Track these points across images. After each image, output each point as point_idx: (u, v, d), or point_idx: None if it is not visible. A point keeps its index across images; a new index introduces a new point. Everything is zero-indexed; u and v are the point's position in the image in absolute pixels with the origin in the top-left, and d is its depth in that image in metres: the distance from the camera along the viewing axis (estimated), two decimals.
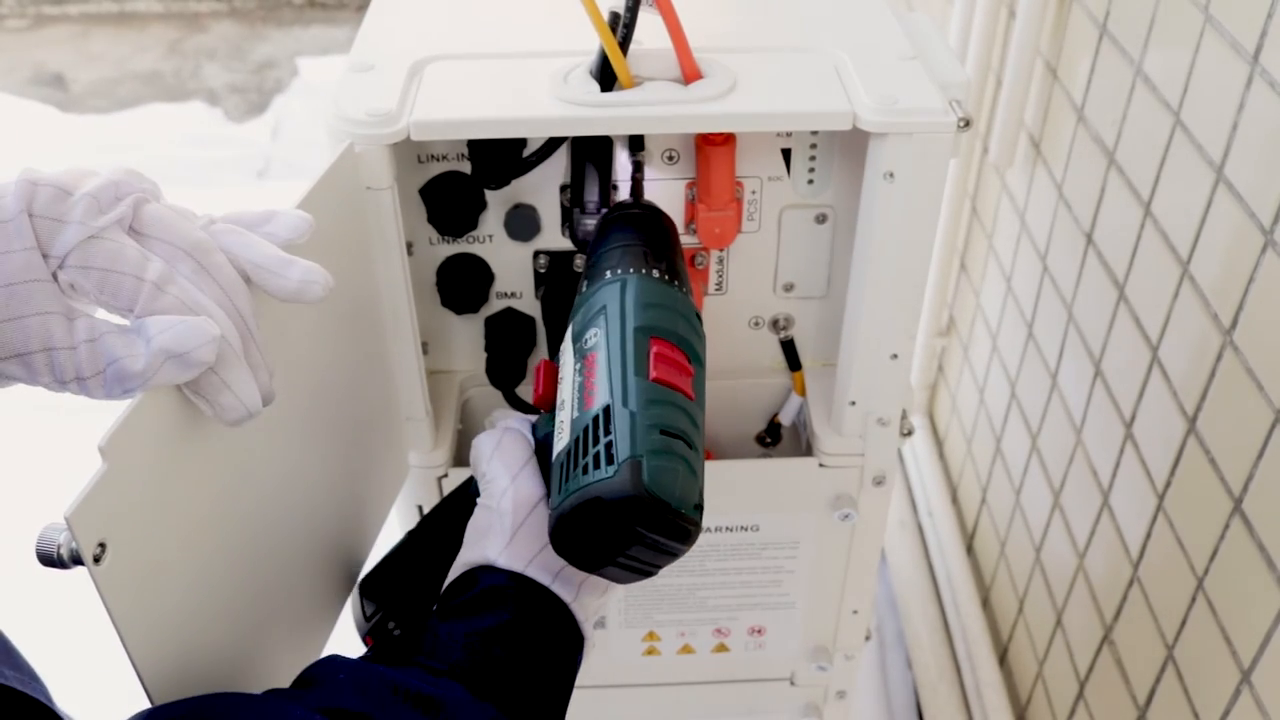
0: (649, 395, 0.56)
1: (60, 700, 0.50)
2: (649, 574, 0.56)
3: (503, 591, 0.58)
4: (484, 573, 0.59)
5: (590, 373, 0.58)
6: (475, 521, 0.61)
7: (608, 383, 0.56)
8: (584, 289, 0.63)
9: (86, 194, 0.46)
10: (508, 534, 0.59)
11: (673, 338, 0.59)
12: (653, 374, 0.56)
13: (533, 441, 0.63)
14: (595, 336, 0.59)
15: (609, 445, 0.54)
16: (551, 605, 0.58)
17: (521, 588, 0.58)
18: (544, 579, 0.58)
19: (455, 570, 0.61)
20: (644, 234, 0.66)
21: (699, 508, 0.55)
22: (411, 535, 0.70)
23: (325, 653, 0.61)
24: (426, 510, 0.82)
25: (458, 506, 0.68)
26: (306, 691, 0.51)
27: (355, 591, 0.70)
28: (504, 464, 0.61)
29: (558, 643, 0.58)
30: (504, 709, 0.54)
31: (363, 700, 0.50)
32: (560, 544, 0.55)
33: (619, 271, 0.62)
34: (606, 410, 0.55)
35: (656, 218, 0.68)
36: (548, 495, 0.60)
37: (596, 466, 0.53)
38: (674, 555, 0.55)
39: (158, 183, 0.50)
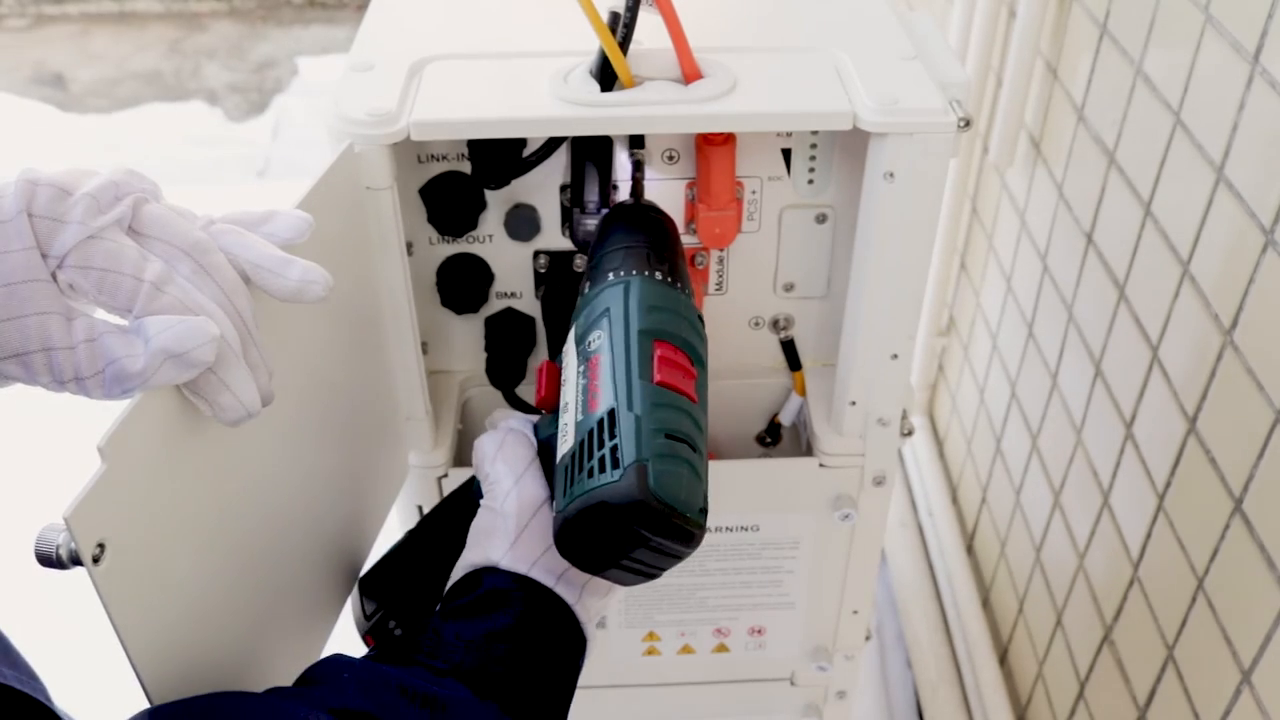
0: (653, 399, 0.56)
1: (60, 700, 0.50)
2: (653, 576, 0.56)
3: (507, 593, 0.58)
4: (487, 574, 0.59)
5: (594, 375, 0.58)
6: (478, 523, 0.61)
7: (612, 386, 0.56)
8: (586, 290, 0.63)
9: (86, 194, 0.46)
10: (511, 536, 0.59)
11: (676, 340, 0.59)
12: (656, 377, 0.57)
13: (535, 443, 0.63)
14: (599, 339, 0.59)
15: (614, 449, 0.54)
16: (555, 607, 0.58)
17: (525, 589, 0.58)
18: (548, 581, 0.58)
19: (458, 571, 0.61)
20: (646, 234, 0.66)
21: (704, 511, 0.55)
22: (411, 534, 0.70)
23: (325, 653, 0.61)
24: (427, 510, 0.82)
25: (458, 506, 0.68)
26: (310, 690, 0.52)
27: (355, 590, 0.70)
28: (508, 466, 0.61)
29: (561, 644, 0.59)
30: (507, 709, 0.54)
31: (367, 699, 0.50)
32: (565, 547, 0.55)
33: (621, 273, 0.62)
34: (611, 414, 0.55)
35: (658, 218, 0.68)
36: (551, 497, 0.60)
37: (602, 470, 0.53)
38: (678, 558, 0.55)
39: (158, 183, 0.50)
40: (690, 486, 0.54)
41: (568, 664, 0.59)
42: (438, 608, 0.61)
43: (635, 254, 0.63)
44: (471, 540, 0.61)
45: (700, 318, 0.63)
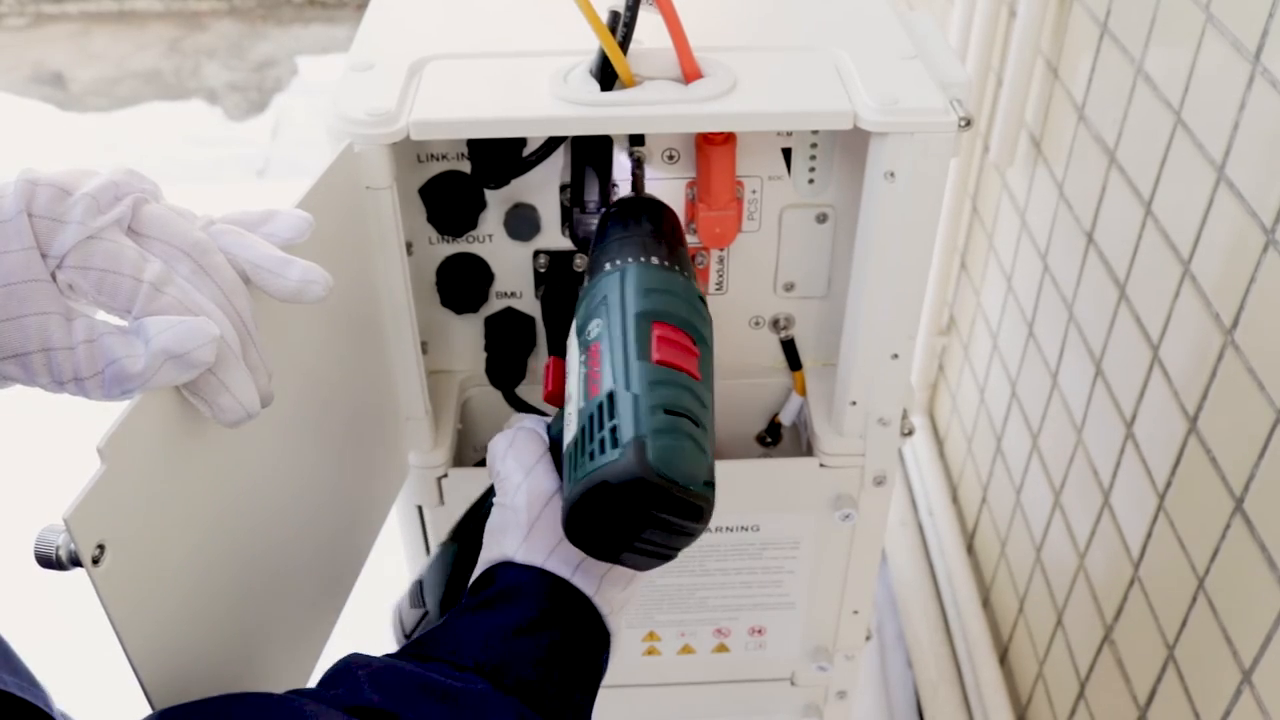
0: (652, 377, 0.55)
1: (60, 701, 0.50)
2: (668, 557, 0.56)
3: (523, 586, 0.57)
4: (503, 569, 0.58)
5: (594, 362, 0.57)
6: (492, 521, 0.61)
7: (611, 369, 0.56)
8: (585, 284, 0.63)
9: (86, 194, 0.46)
10: (524, 529, 0.58)
11: (675, 320, 0.59)
12: (655, 356, 0.56)
13: (547, 440, 0.63)
14: (598, 327, 0.59)
15: (614, 429, 0.53)
16: (574, 599, 0.57)
17: (542, 582, 0.57)
18: (564, 572, 0.57)
19: (477, 571, 0.61)
20: (642, 224, 0.66)
21: (709, 484, 0.54)
22: (455, 537, 0.69)
23: (325, 653, 0.61)
24: (428, 511, 0.82)
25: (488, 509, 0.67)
26: (327, 690, 0.51)
27: (402, 603, 0.68)
28: (517, 461, 0.60)
29: (582, 636, 0.58)
30: (529, 703, 0.53)
31: (383, 696, 0.50)
32: (574, 534, 0.54)
33: (618, 262, 0.62)
34: (610, 396, 0.55)
35: (655, 208, 0.68)
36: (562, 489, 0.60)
37: (602, 451, 0.53)
38: (690, 535, 0.54)
39: (158, 183, 0.50)
40: (693, 459, 0.53)
41: (590, 657, 0.58)
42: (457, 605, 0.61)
43: (631, 243, 0.63)
44: (487, 539, 0.61)
45: (703, 299, 0.62)
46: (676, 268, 0.62)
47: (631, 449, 0.52)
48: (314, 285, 0.50)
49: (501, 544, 0.59)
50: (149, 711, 0.47)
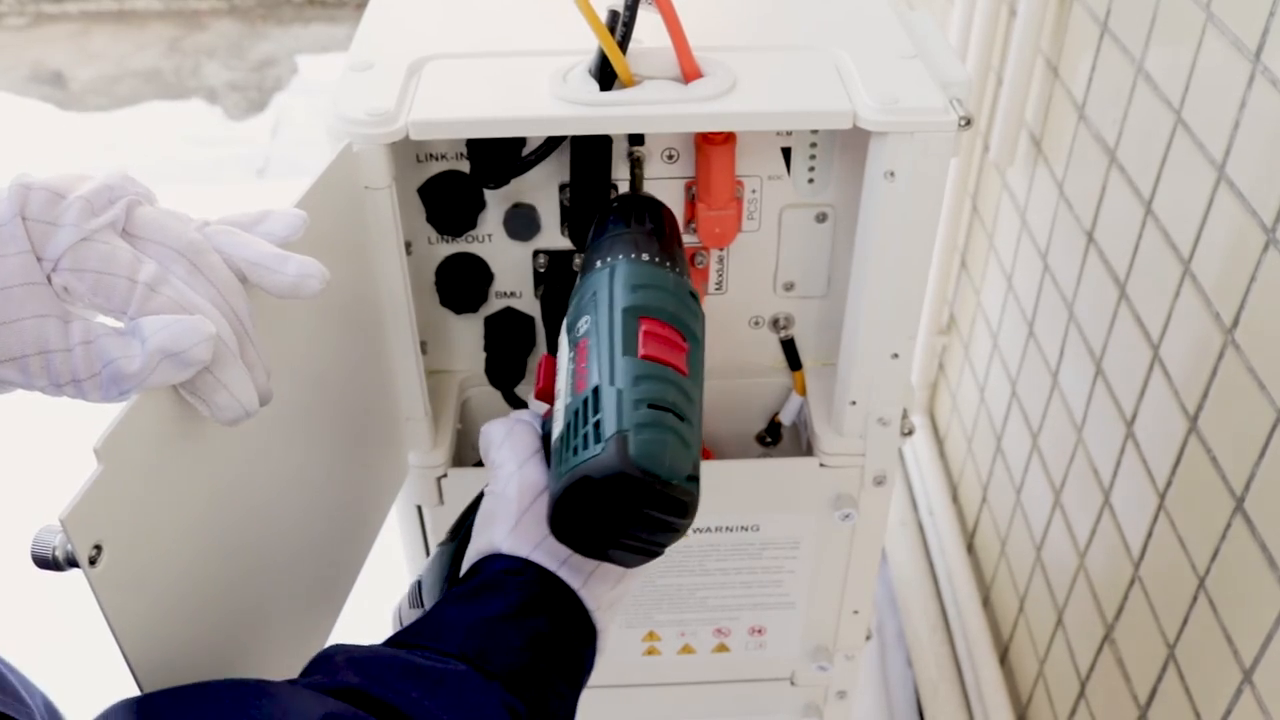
0: (637, 371, 0.55)
1: (58, 702, 0.50)
2: (654, 554, 0.55)
3: (509, 576, 0.57)
4: (490, 560, 0.58)
5: (582, 358, 0.57)
6: (482, 510, 0.61)
7: (597, 365, 0.56)
8: (578, 282, 0.63)
9: (80, 197, 0.46)
10: (513, 520, 0.58)
11: (663, 315, 0.59)
12: (641, 351, 0.56)
13: (541, 434, 0.63)
14: (586, 323, 0.59)
15: (597, 424, 0.53)
16: (559, 592, 0.57)
17: (529, 574, 0.57)
18: (550, 565, 0.57)
19: (466, 561, 0.61)
20: (636, 222, 0.66)
21: (694, 479, 0.54)
22: (452, 540, 0.69)
23: None
24: (427, 511, 0.82)
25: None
26: (306, 678, 0.51)
27: (407, 601, 0.68)
28: (512, 452, 0.60)
29: (566, 628, 0.58)
30: (510, 689, 0.53)
31: (361, 677, 0.50)
32: (559, 530, 0.54)
33: (608, 259, 0.62)
34: (596, 391, 0.55)
35: (648, 206, 0.68)
36: None
37: (585, 446, 0.53)
38: (676, 530, 0.54)
39: (152, 186, 0.50)
40: (675, 453, 0.53)
41: (575, 650, 0.58)
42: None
43: (623, 240, 0.63)
44: (477, 528, 0.61)
45: (694, 295, 0.62)
46: (668, 264, 0.62)
47: (613, 443, 0.52)
48: (311, 280, 0.50)
49: (490, 534, 0.59)
50: None
